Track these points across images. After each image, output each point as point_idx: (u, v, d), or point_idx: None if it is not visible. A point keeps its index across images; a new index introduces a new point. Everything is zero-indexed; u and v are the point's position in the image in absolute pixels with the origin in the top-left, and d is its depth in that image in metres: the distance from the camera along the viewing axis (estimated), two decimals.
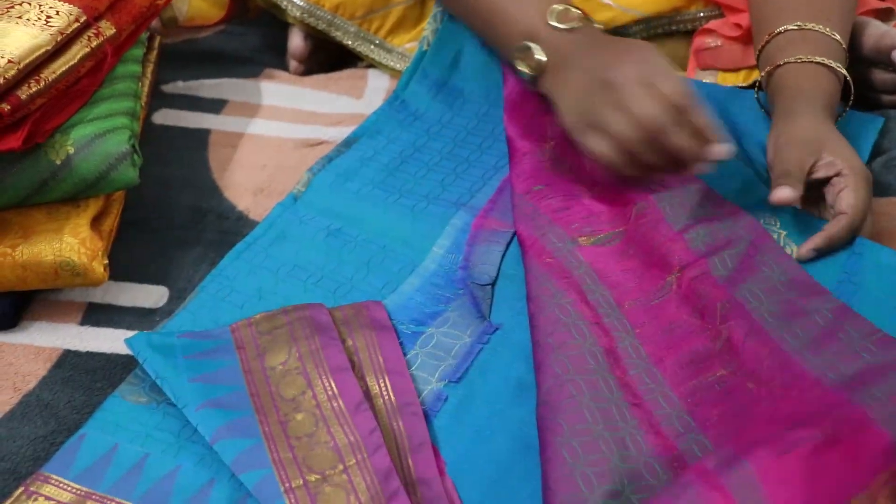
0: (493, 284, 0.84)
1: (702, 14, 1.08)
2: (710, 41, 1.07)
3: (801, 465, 0.61)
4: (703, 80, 1.02)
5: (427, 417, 0.74)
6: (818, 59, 0.90)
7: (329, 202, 0.92)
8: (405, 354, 0.77)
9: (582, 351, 0.74)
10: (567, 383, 0.71)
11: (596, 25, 0.88)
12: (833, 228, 0.82)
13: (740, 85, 1.04)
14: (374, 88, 1.14)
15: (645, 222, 0.82)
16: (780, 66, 0.91)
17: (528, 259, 0.83)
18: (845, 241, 0.82)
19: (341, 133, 1.04)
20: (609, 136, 0.80)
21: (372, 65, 1.17)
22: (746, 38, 1.05)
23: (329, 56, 1.19)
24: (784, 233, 0.84)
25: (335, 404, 0.71)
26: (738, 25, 1.05)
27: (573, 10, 0.87)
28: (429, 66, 1.04)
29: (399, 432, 0.71)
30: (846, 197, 0.82)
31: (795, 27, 0.91)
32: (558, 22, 0.86)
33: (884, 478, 0.62)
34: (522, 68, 0.88)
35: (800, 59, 0.90)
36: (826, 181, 0.84)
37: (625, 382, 0.72)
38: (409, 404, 0.73)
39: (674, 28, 1.09)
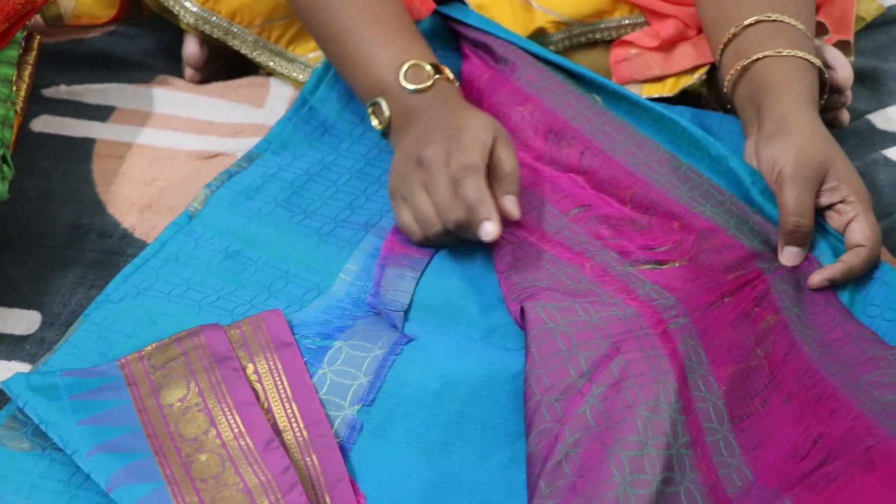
0: (405, 312, 0.82)
1: (626, 21, 1.07)
2: (628, 51, 1.06)
3: (839, 498, 0.65)
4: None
5: (343, 450, 0.72)
6: (800, 54, 0.88)
7: (228, 222, 0.89)
8: (312, 375, 0.75)
9: (645, 357, 0.75)
10: (625, 391, 0.72)
11: (450, 78, 0.91)
12: (854, 261, 0.81)
13: (666, 94, 1.03)
14: (277, 97, 1.11)
15: (711, 248, 0.84)
16: (758, 59, 0.88)
17: (581, 273, 0.84)
18: (863, 273, 0.81)
19: (239, 145, 1.02)
20: (411, 209, 0.85)
21: (273, 73, 1.13)
22: (667, 46, 1.04)
23: (228, 63, 1.14)
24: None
25: (242, 442, 0.70)
26: (657, 35, 1.04)
27: (426, 67, 0.89)
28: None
29: (313, 468, 0.70)
30: (860, 228, 0.81)
31: (768, 18, 0.90)
32: (408, 80, 0.89)
33: None
34: (373, 121, 0.91)
35: (780, 52, 0.88)
36: (829, 205, 0.83)
37: (682, 391, 0.73)
38: (323, 436, 0.71)
39: (597, 37, 1.07)
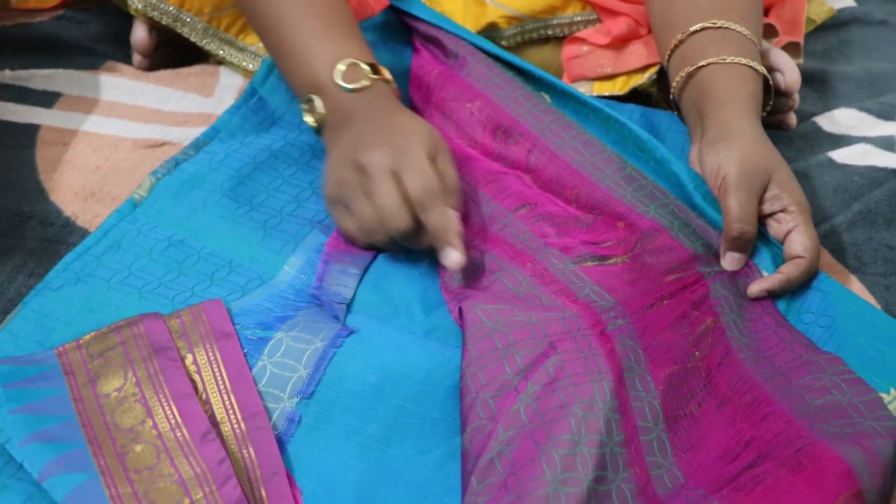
0: (348, 305, 0.82)
1: (578, 18, 1.08)
2: (580, 48, 1.06)
3: (767, 498, 0.66)
4: (580, 90, 1.01)
5: (281, 443, 0.72)
6: (744, 61, 0.88)
7: (172, 211, 0.88)
8: (252, 367, 0.75)
9: (581, 357, 0.76)
10: (559, 390, 0.72)
11: (388, 79, 0.89)
12: (793, 273, 0.81)
13: (616, 93, 1.04)
14: (226, 86, 1.11)
15: (654, 248, 0.84)
16: (702, 66, 0.89)
17: (522, 274, 0.84)
18: (801, 284, 0.82)
19: (187, 134, 1.01)
20: (353, 216, 0.84)
21: (223, 62, 1.13)
22: (618, 44, 1.05)
23: (178, 50, 1.14)
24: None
25: (179, 434, 0.69)
26: (608, 32, 1.05)
27: (363, 66, 0.87)
28: None
29: (250, 460, 0.69)
30: (800, 239, 0.82)
31: (713, 25, 0.90)
32: (344, 80, 0.87)
33: (844, 499, 0.65)
34: (306, 119, 0.90)
35: (724, 59, 0.88)
36: (769, 214, 0.84)
37: (618, 390, 0.74)
38: (260, 429, 0.71)
39: (549, 33, 1.08)
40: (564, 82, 1.00)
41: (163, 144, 1.01)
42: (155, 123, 1.04)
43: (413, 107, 0.98)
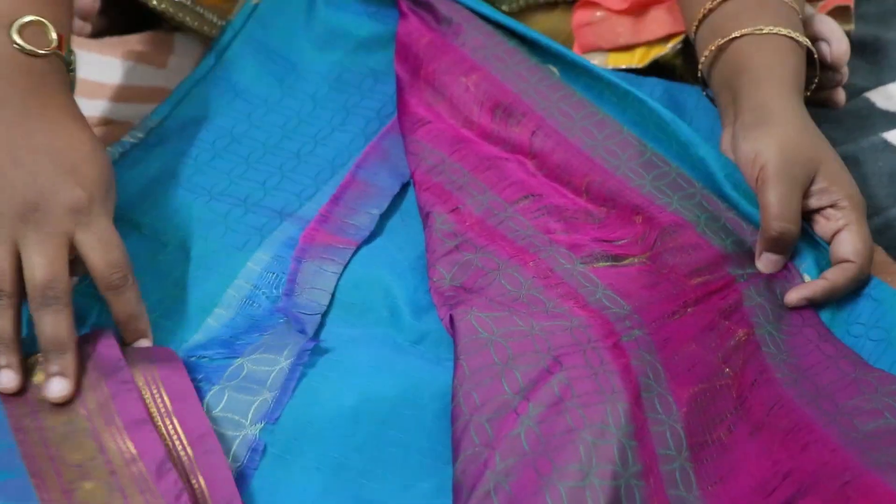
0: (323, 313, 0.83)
1: None
2: (593, 14, 1.06)
3: None
4: (593, 63, 1.01)
5: (242, 476, 0.71)
6: (784, 31, 0.88)
7: (119, 203, 0.86)
8: (206, 392, 0.75)
9: (592, 374, 0.75)
10: (566, 412, 0.72)
11: (71, 61, 0.80)
12: (839, 279, 0.81)
13: (635, 66, 1.03)
14: (182, 56, 1.09)
15: (676, 247, 0.84)
16: (735, 38, 0.88)
17: (524, 275, 0.83)
18: (849, 292, 0.81)
19: (137, 112, 1.01)
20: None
21: (179, 27, 1.11)
22: (637, 10, 1.04)
23: (125, 14, 1.12)
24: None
25: (135, 468, 0.69)
26: None
27: (52, 32, 0.76)
28: (258, 27, 1.02)
29: (200, 492, 0.69)
30: (850, 240, 0.81)
31: None
32: (23, 38, 0.75)
33: None
34: None
35: (760, 29, 0.88)
36: (816, 209, 0.83)
37: (634, 413, 0.73)
38: (210, 452, 0.70)
39: None
40: (575, 53, 0.99)
41: (108, 124, 1.01)
42: (99, 99, 1.03)
43: (399, 81, 0.97)
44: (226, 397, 0.74)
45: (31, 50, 0.75)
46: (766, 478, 0.70)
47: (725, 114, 0.89)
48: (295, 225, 0.87)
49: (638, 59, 1.03)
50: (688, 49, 1.02)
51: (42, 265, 0.70)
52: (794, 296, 0.80)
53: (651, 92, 0.98)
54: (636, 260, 0.85)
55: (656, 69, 1.04)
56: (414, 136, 0.94)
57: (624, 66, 1.03)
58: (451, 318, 0.78)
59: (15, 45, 0.75)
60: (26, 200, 0.71)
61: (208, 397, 0.74)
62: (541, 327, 0.78)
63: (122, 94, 1.04)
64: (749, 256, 0.83)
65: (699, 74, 0.93)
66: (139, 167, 0.90)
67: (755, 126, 0.83)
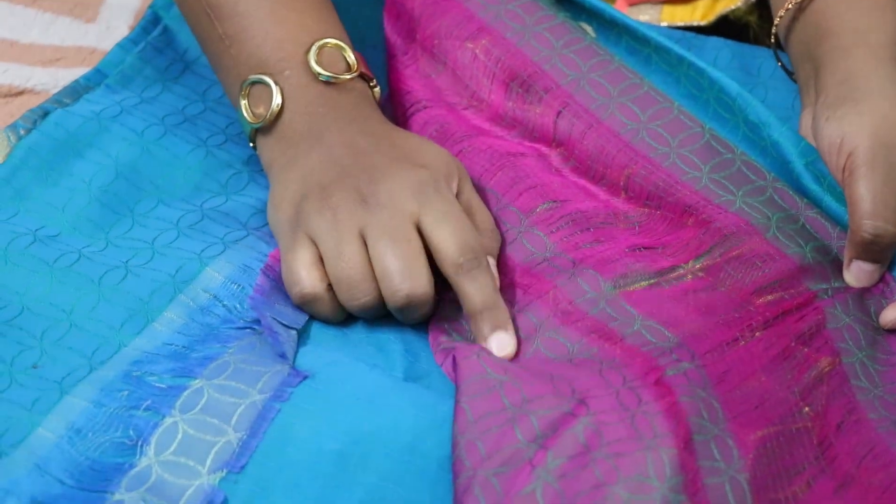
0: (300, 332, 0.85)
1: None
2: None
3: None
4: (640, 20, 1.03)
5: None
6: None
7: (39, 188, 0.91)
8: (157, 426, 0.77)
9: (627, 416, 0.76)
10: (594, 464, 0.73)
11: (371, 77, 0.92)
12: None
13: (696, 23, 1.05)
14: (116, 7, 1.12)
15: (740, 256, 0.86)
16: None
17: (539, 314, 0.86)
18: None
19: (58, 78, 1.06)
20: (330, 261, 0.84)
21: None
22: None
23: None
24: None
25: None
26: None
27: (350, 54, 0.91)
28: None
29: None
30: None
31: None
32: (319, 64, 0.90)
33: None
34: (243, 112, 0.90)
35: None
36: None
37: (683, 461, 0.74)
38: None
39: None
40: (616, 7, 1.02)
41: (21, 93, 1.04)
42: (10, 62, 1.06)
43: (389, 47, 0.99)
44: (179, 436, 0.76)
45: (331, 77, 0.89)
46: None
47: (806, 90, 0.92)
48: (264, 240, 0.90)
49: (701, 13, 1.05)
50: (765, 3, 1.04)
51: (452, 231, 0.83)
52: (890, 315, 0.83)
53: (715, 58, 1.00)
54: (687, 273, 0.87)
55: (724, 27, 1.05)
56: (406, 128, 0.96)
57: (682, 24, 1.05)
58: (454, 360, 0.81)
59: (321, 78, 0.89)
60: (417, 182, 0.84)
61: (158, 433, 0.76)
62: (561, 374, 0.80)
63: (41, 56, 1.06)
64: (835, 266, 0.85)
65: (772, 38, 0.95)
66: (67, 140, 0.93)
67: (842, 104, 0.86)
